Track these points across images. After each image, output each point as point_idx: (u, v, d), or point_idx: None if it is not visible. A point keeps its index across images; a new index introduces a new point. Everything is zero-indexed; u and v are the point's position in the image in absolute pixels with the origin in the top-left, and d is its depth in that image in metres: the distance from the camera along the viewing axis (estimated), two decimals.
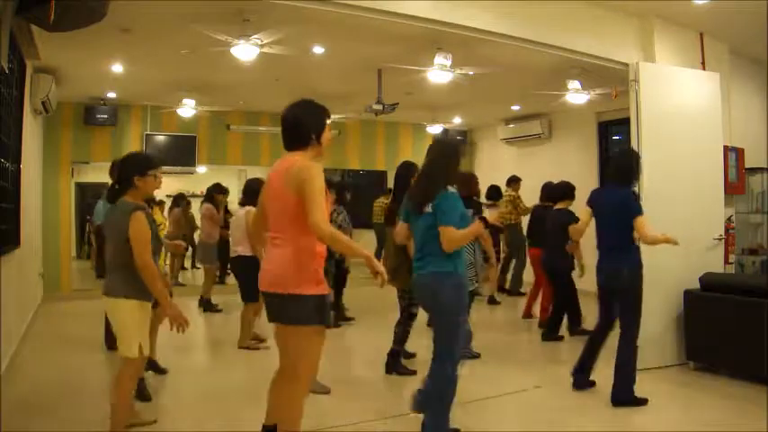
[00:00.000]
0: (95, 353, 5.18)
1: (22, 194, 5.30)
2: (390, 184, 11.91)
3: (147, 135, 9.01)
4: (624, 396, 3.79)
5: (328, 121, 2.71)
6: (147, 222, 3.05)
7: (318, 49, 6.16)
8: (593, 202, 4.08)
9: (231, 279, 7.12)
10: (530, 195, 7.73)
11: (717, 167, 5.14)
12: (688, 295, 4.66)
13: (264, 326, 6.54)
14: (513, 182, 8.43)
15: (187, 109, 8.24)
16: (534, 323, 6.43)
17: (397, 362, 4.61)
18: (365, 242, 9.11)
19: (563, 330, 5.88)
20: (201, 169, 10.14)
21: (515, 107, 9.58)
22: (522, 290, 8.22)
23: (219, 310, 7.34)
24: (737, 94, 6.07)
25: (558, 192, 6.04)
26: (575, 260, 5.70)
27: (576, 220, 5.66)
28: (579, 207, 4.43)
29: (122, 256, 3.03)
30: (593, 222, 4.10)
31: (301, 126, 2.63)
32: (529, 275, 7.34)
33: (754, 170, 6.36)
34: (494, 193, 8.12)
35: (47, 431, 3.41)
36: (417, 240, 3.27)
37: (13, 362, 4.70)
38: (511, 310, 7.61)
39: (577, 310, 5.91)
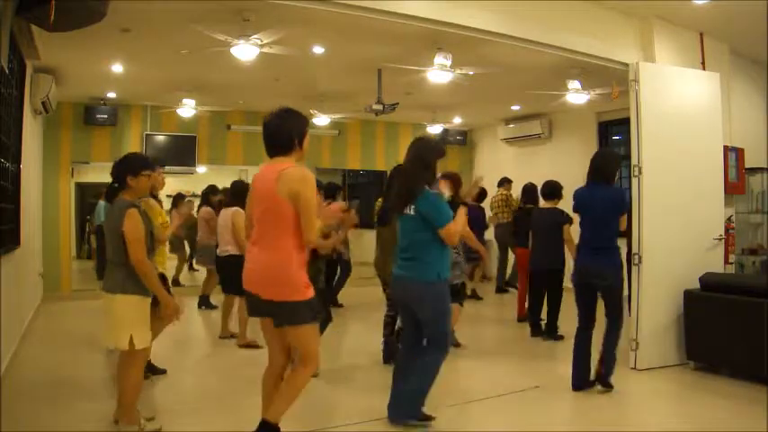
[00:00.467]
0: (96, 353, 5.18)
1: (22, 194, 5.30)
2: (386, 184, 11.98)
3: (147, 135, 9.01)
4: (608, 376, 4.01)
5: (308, 128, 2.89)
6: (141, 220, 3.12)
7: (318, 49, 6.16)
8: (579, 203, 4.12)
9: None
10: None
11: (717, 167, 5.14)
12: (688, 295, 4.66)
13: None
14: (506, 182, 8.66)
15: (187, 109, 8.24)
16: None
17: (392, 348, 4.70)
18: (366, 242, 9.10)
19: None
20: (201, 169, 10.13)
21: (515, 107, 9.57)
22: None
23: (215, 307, 7.36)
24: (737, 94, 6.07)
25: (546, 190, 6.04)
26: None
27: (569, 218, 5.73)
28: (562, 206, 4.50)
29: (120, 253, 3.10)
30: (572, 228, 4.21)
31: (285, 133, 2.78)
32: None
33: (754, 170, 6.36)
34: (478, 194, 8.18)
35: (47, 431, 3.41)
36: (402, 239, 3.36)
37: (13, 362, 4.71)
38: (504, 307, 7.61)
39: (556, 316, 5.94)
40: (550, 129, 9.86)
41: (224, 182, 7.83)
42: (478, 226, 6.87)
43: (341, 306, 7.59)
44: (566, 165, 8.95)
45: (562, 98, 7.27)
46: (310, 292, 2.76)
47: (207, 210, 7.15)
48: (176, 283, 9.51)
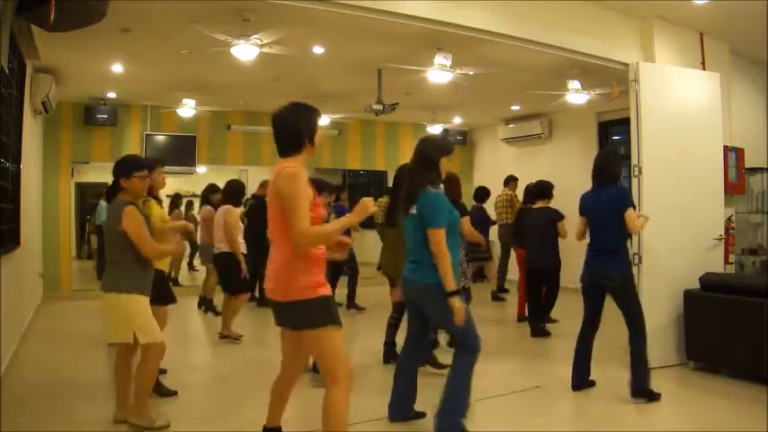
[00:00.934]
0: (96, 353, 5.18)
1: (22, 194, 5.30)
2: (391, 184, 11.98)
3: (147, 135, 9.01)
4: (642, 387, 3.81)
5: (320, 121, 2.72)
6: (140, 215, 3.17)
7: (318, 49, 6.16)
8: (583, 207, 4.08)
9: None
10: None
11: (717, 167, 5.14)
12: (688, 295, 4.66)
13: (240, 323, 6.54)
14: (512, 181, 8.49)
15: (187, 109, 8.24)
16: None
17: (392, 351, 4.73)
18: (369, 243, 9.10)
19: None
20: (202, 169, 10.14)
21: (515, 107, 9.57)
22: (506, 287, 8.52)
23: (219, 313, 7.33)
24: (737, 94, 6.07)
25: (536, 191, 6.14)
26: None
27: (561, 216, 5.84)
28: (562, 206, 4.48)
29: (116, 251, 3.15)
30: (571, 227, 4.17)
31: (294, 131, 2.63)
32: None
33: (754, 170, 6.36)
34: (481, 194, 8.13)
35: (47, 431, 3.41)
36: (407, 241, 3.31)
37: (13, 362, 4.71)
38: (506, 308, 7.61)
39: (550, 308, 6.06)
40: (550, 129, 9.86)
41: (224, 182, 7.83)
42: (482, 225, 6.84)
43: (363, 309, 7.45)
44: (566, 165, 8.97)
45: (562, 98, 7.27)
46: (323, 291, 2.56)
47: (207, 209, 7.16)
48: (175, 282, 9.53)
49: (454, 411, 3.16)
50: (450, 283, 3.03)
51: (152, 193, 4.14)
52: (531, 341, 5.83)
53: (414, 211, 3.18)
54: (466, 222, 4.71)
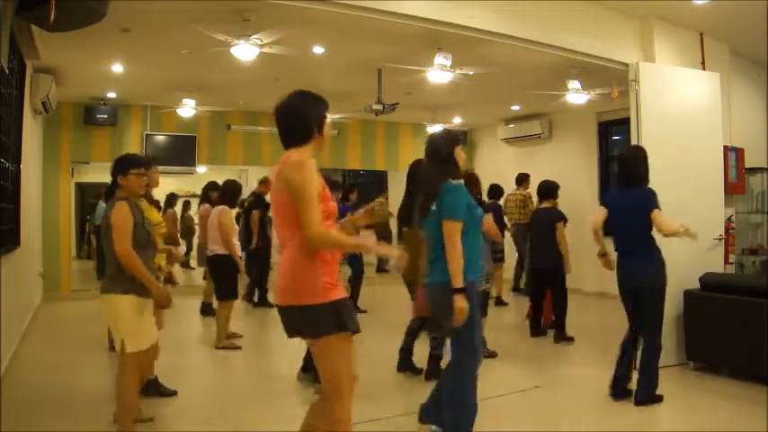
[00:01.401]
0: (96, 353, 5.18)
1: (22, 194, 5.30)
2: (390, 184, 11.98)
3: (147, 135, 9.01)
4: (647, 396, 3.79)
5: (327, 113, 2.50)
6: (131, 212, 3.06)
7: (318, 49, 6.16)
8: (609, 203, 3.99)
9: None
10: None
11: (717, 167, 5.14)
12: (688, 295, 4.66)
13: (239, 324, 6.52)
14: (525, 180, 8.28)
15: (187, 109, 8.24)
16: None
17: (407, 359, 4.56)
18: None
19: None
20: (201, 169, 10.14)
21: (515, 107, 9.57)
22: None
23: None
24: (737, 94, 6.07)
25: (542, 191, 6.02)
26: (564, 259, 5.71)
27: (561, 217, 5.74)
28: (580, 205, 4.42)
29: (110, 251, 3.06)
30: (574, 228, 4.07)
31: (302, 118, 2.40)
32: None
33: (754, 170, 6.36)
34: (495, 191, 8.03)
35: (46, 431, 3.41)
36: (429, 243, 3.08)
37: (13, 362, 4.71)
38: (517, 310, 7.57)
39: (565, 314, 5.80)
40: (550, 129, 9.86)
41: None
42: (499, 223, 6.57)
43: (364, 312, 7.24)
44: (566, 165, 8.97)
45: (562, 98, 7.27)
46: (334, 294, 2.30)
47: (206, 207, 6.92)
48: (169, 280, 9.49)
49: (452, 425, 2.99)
50: (457, 279, 2.84)
51: (147, 193, 4.05)
52: (530, 341, 5.80)
53: (434, 207, 2.99)
54: (489, 220, 4.58)
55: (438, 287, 2.94)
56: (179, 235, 10.15)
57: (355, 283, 7.37)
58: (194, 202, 10.32)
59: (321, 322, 2.27)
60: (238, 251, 5.54)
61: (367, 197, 10.75)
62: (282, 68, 6.73)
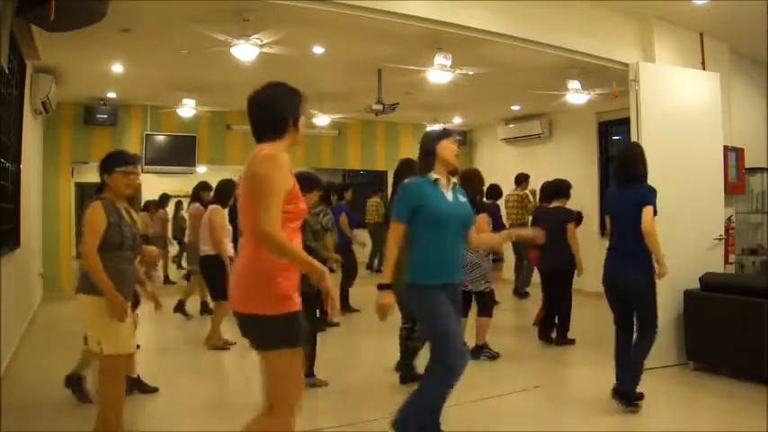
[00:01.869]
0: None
1: (22, 194, 5.30)
2: (391, 184, 11.98)
3: (146, 135, 9.02)
4: (627, 390, 3.71)
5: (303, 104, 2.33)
6: (104, 213, 2.93)
7: (318, 49, 6.16)
8: (608, 202, 3.92)
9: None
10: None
11: (717, 167, 5.14)
12: (688, 295, 4.66)
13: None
14: (523, 180, 8.29)
15: (187, 109, 8.24)
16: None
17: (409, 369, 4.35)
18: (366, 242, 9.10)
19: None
20: (201, 169, 10.14)
21: (515, 107, 9.57)
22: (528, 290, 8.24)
23: (188, 315, 6.96)
24: (737, 94, 6.07)
25: (551, 190, 5.90)
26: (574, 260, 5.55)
27: (575, 217, 5.63)
28: (580, 205, 4.38)
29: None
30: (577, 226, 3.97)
31: (278, 111, 2.23)
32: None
33: (754, 170, 6.35)
34: (493, 191, 8.00)
35: (47, 431, 3.41)
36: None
37: (13, 362, 4.70)
38: (514, 310, 7.57)
39: (569, 317, 5.67)
40: (550, 129, 9.86)
41: None
42: (496, 225, 6.41)
43: (357, 311, 7.25)
44: (566, 165, 8.96)
45: (562, 98, 7.27)
46: (289, 305, 2.12)
47: (196, 206, 6.79)
48: (167, 280, 9.49)
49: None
50: (385, 275, 2.79)
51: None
52: (530, 342, 5.77)
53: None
54: (482, 221, 4.57)
55: (410, 287, 2.87)
56: (171, 235, 10.20)
57: (346, 282, 7.29)
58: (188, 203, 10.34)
59: (271, 335, 2.12)
60: (230, 252, 5.42)
61: (365, 197, 10.80)
62: (282, 68, 6.72)
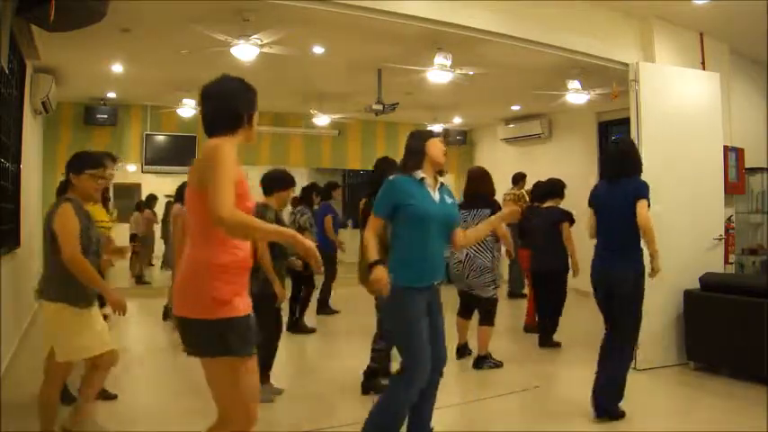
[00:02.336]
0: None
1: (22, 194, 5.30)
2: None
3: (146, 135, 9.03)
4: (611, 408, 3.50)
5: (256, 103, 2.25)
6: (75, 214, 2.84)
7: (318, 49, 6.16)
8: (595, 197, 3.71)
9: None
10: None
11: (717, 167, 5.14)
12: (688, 295, 4.66)
13: None
14: (520, 180, 8.10)
15: (187, 109, 8.25)
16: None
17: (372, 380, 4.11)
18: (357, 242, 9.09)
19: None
20: None
21: (515, 107, 9.58)
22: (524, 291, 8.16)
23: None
24: (737, 94, 6.07)
25: (545, 189, 5.83)
26: (568, 260, 5.45)
27: (567, 218, 5.51)
28: (580, 205, 4.31)
29: (48, 254, 2.88)
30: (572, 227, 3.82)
31: (231, 104, 2.14)
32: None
33: (754, 170, 6.35)
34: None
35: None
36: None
37: (13, 362, 4.70)
38: (511, 311, 7.58)
39: (558, 319, 5.59)
40: (550, 129, 9.86)
41: None
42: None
43: (337, 312, 7.23)
44: (566, 165, 8.96)
45: (562, 98, 7.27)
46: (224, 311, 1.97)
47: (178, 207, 6.41)
48: (139, 280, 9.40)
49: None
50: (372, 254, 2.68)
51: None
52: (528, 342, 5.73)
53: None
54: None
55: (393, 290, 2.71)
56: (160, 235, 10.21)
57: (326, 284, 7.18)
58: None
59: (202, 341, 1.99)
60: None
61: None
62: (282, 68, 6.73)
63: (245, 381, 2.04)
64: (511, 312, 7.35)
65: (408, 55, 6.07)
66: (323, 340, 6.20)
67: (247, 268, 2.11)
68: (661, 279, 4.59)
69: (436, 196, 2.85)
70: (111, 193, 13.64)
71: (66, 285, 2.79)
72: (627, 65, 5.00)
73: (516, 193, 8.02)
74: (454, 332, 4.83)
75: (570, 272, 5.48)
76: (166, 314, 6.52)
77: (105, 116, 8.58)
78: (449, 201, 2.91)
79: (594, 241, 3.74)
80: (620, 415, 3.52)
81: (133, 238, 9.27)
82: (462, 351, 5.02)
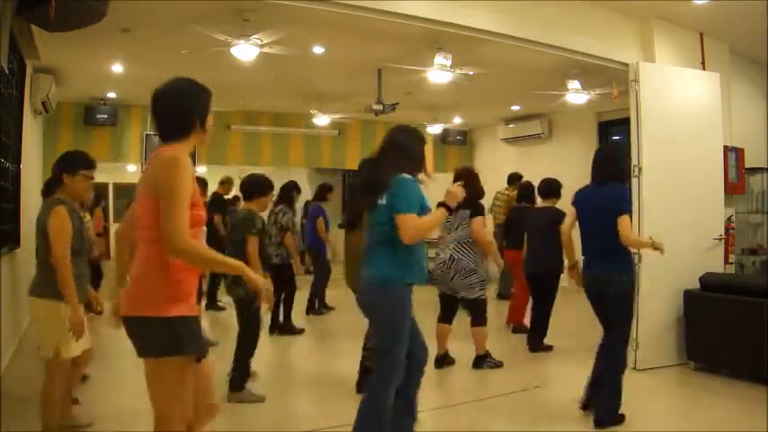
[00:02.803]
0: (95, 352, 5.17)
1: (22, 194, 5.30)
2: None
3: (146, 135, 9.01)
4: (608, 416, 3.43)
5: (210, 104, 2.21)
6: (69, 217, 2.90)
7: (318, 49, 6.17)
8: (579, 200, 3.73)
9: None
10: None
11: (717, 167, 5.14)
12: (688, 295, 4.66)
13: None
14: (516, 180, 7.91)
15: None
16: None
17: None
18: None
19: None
20: (202, 169, 10.15)
21: (515, 107, 9.58)
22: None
23: None
24: (737, 94, 6.07)
25: (540, 190, 5.71)
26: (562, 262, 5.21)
27: (563, 218, 5.48)
28: (561, 206, 4.29)
29: (41, 253, 2.92)
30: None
31: (182, 109, 2.10)
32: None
33: (754, 170, 6.35)
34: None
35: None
36: (369, 236, 2.88)
37: (13, 362, 4.71)
38: (503, 312, 7.51)
39: (548, 321, 5.47)
40: (550, 129, 9.86)
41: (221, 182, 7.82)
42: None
43: (333, 309, 7.21)
44: (566, 165, 8.94)
45: (562, 98, 7.28)
46: (175, 309, 1.96)
47: None
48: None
49: None
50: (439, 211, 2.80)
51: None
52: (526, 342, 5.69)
53: (383, 200, 2.77)
54: (478, 224, 4.53)
55: (374, 281, 2.75)
56: None
57: (320, 281, 7.15)
58: None
59: (150, 340, 1.96)
60: None
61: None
62: (282, 68, 6.74)
63: (189, 382, 2.03)
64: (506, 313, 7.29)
65: (408, 55, 6.07)
66: (316, 340, 6.21)
67: (197, 270, 2.12)
68: (661, 279, 4.65)
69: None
70: (110, 194, 13.71)
71: (55, 283, 2.83)
72: (627, 65, 4.99)
73: (510, 195, 7.89)
74: (433, 338, 4.68)
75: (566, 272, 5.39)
76: None
77: (105, 116, 8.58)
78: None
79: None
80: (619, 420, 3.47)
81: None
82: (441, 361, 4.76)
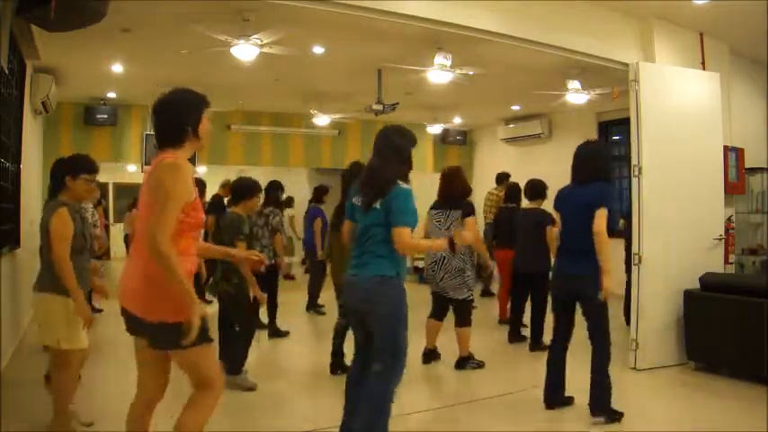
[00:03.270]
0: (93, 352, 5.16)
1: (22, 194, 5.30)
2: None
3: (147, 135, 9.00)
4: (604, 404, 3.49)
5: (206, 111, 2.39)
6: (71, 219, 3.01)
7: (318, 49, 6.17)
8: (556, 202, 3.80)
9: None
10: None
11: (717, 167, 5.14)
12: (688, 295, 4.66)
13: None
14: (504, 179, 7.88)
15: None
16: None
17: (339, 362, 4.43)
18: None
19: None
20: (202, 169, 10.15)
21: (515, 107, 9.58)
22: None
23: None
24: (737, 94, 6.07)
25: (526, 191, 5.76)
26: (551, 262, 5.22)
27: (551, 219, 5.22)
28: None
29: (45, 251, 3.05)
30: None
31: (175, 118, 2.28)
32: None
33: (754, 170, 6.36)
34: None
35: (46, 430, 3.40)
36: (360, 237, 2.93)
37: (13, 362, 4.71)
38: (489, 311, 7.48)
39: (544, 321, 5.42)
40: (550, 129, 9.86)
41: (222, 182, 7.82)
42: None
43: (323, 313, 6.99)
44: (566, 165, 8.83)
45: (562, 98, 7.27)
46: (179, 316, 2.10)
47: None
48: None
49: None
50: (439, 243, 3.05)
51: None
52: (515, 345, 5.59)
53: (378, 205, 2.81)
54: (471, 224, 4.55)
55: (392, 281, 2.82)
56: None
57: (314, 284, 7.15)
58: None
59: (181, 338, 2.09)
60: None
61: None
62: (282, 68, 6.74)
63: (214, 359, 2.38)
64: (489, 311, 7.26)
65: (408, 55, 6.08)
66: (313, 340, 6.21)
67: (193, 269, 2.29)
68: (661, 279, 4.65)
69: None
70: (110, 194, 13.72)
71: (59, 278, 2.95)
72: (627, 65, 4.99)
73: (500, 195, 7.82)
74: (422, 334, 4.79)
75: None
76: None
77: (105, 116, 8.59)
78: None
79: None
80: (615, 416, 3.48)
81: (127, 238, 9.28)
82: (429, 356, 4.84)
